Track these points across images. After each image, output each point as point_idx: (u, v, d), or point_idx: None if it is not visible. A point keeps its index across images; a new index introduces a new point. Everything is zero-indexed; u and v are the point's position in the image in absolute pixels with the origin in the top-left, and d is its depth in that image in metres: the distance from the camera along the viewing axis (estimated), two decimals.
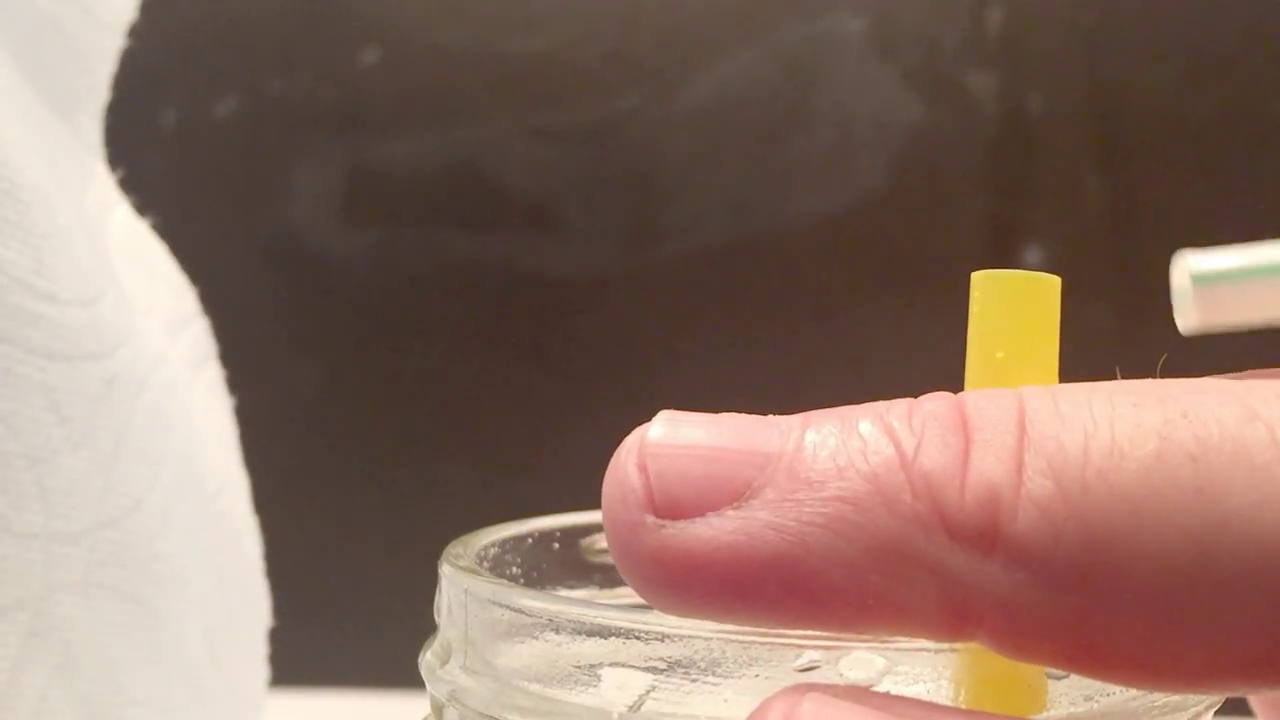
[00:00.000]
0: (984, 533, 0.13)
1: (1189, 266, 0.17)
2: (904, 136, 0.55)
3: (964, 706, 0.15)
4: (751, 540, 0.14)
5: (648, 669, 0.16)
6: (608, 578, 0.23)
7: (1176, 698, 0.16)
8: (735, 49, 0.55)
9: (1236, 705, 0.18)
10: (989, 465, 0.14)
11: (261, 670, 0.36)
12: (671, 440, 0.15)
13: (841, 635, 0.15)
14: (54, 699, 0.28)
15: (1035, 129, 0.54)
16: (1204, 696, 0.16)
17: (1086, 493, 0.13)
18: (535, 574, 0.22)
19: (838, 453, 0.14)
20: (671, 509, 0.14)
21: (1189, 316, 0.17)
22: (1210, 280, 0.17)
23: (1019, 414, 0.14)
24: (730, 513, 0.14)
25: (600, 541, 0.23)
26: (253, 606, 0.36)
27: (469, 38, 0.56)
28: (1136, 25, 0.54)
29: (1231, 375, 0.15)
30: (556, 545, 0.23)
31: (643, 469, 0.15)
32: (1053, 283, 0.16)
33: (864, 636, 0.15)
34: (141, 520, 0.29)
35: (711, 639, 0.15)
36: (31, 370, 0.27)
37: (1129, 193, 0.54)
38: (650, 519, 0.14)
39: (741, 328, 0.56)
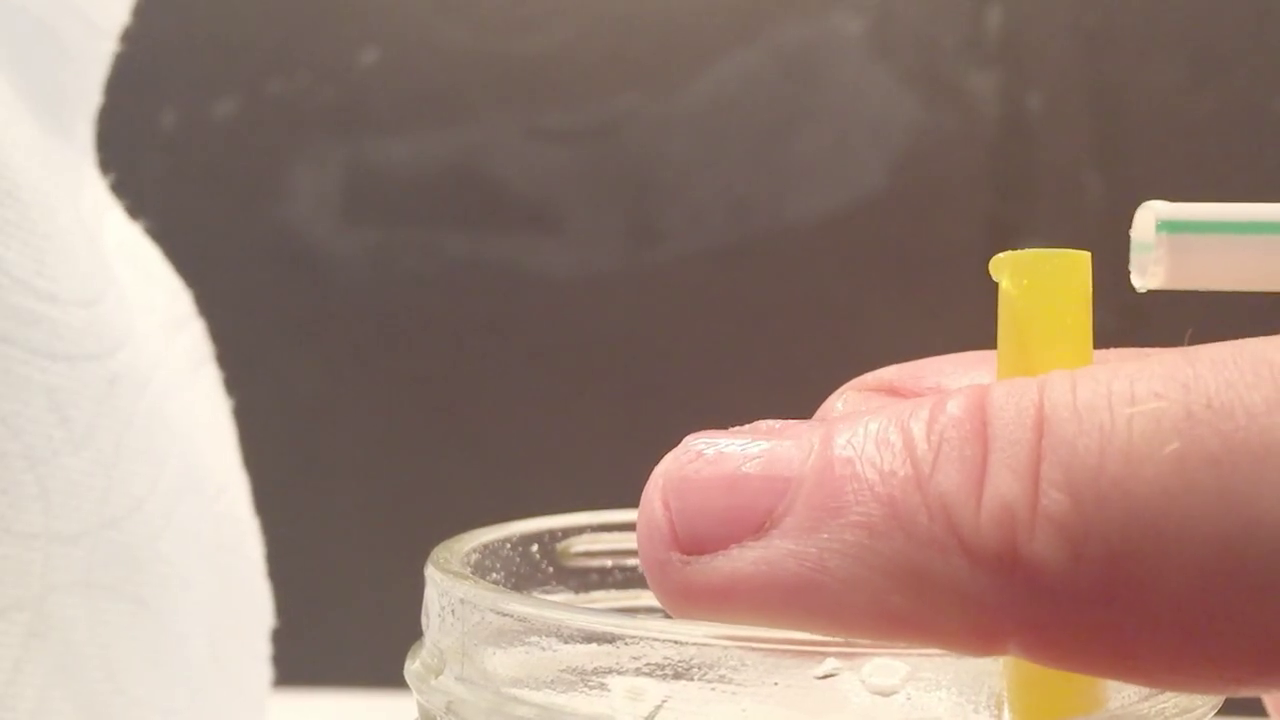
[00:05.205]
0: (1002, 554, 0.13)
1: (1156, 213, 0.16)
2: (904, 136, 0.55)
3: (1010, 709, 0.15)
4: (773, 569, 0.14)
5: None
6: (583, 582, 0.23)
7: (1184, 700, 0.16)
8: (735, 49, 0.55)
9: (1236, 705, 0.18)
10: (1004, 482, 0.13)
11: (265, 670, 0.36)
12: (693, 472, 0.15)
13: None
14: (54, 699, 0.27)
15: (1035, 129, 0.54)
16: (1211, 698, 0.16)
17: (1103, 506, 0.13)
18: (513, 579, 0.22)
19: (856, 475, 0.14)
20: (695, 545, 0.15)
21: (1151, 271, 0.16)
22: (1179, 229, 0.16)
23: (1037, 413, 0.14)
24: (751, 543, 0.14)
25: (576, 545, 0.23)
26: (255, 607, 0.36)
27: (469, 38, 0.56)
28: (1137, 25, 0.54)
29: (1271, 340, 0.14)
30: (534, 549, 0.22)
31: (666, 505, 0.15)
32: (1082, 258, 0.16)
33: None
34: (143, 521, 0.29)
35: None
36: (32, 370, 0.27)
37: (1129, 193, 0.54)
38: (675, 556, 0.15)
39: (741, 328, 0.56)
